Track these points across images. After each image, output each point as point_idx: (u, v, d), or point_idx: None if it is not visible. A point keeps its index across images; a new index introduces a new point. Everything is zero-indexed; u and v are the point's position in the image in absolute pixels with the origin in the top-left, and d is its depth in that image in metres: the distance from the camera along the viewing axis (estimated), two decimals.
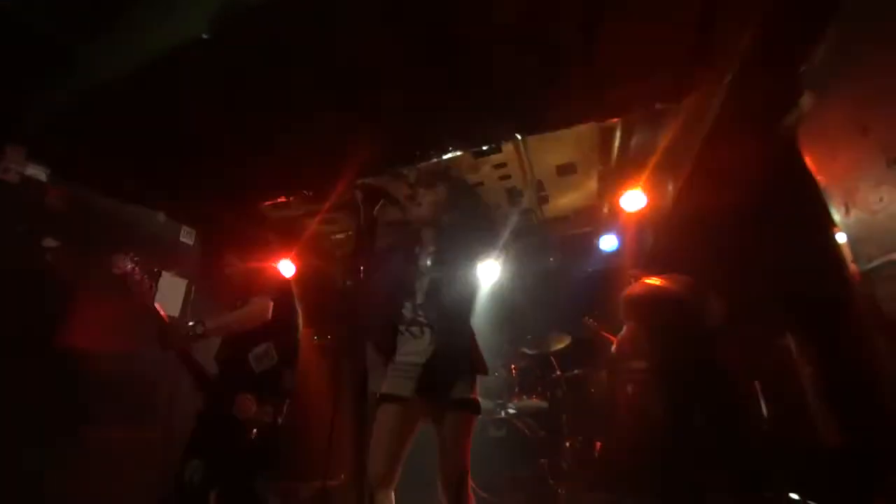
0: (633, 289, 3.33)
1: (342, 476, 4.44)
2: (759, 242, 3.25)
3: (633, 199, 3.70)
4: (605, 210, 4.80)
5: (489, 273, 4.45)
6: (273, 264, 2.87)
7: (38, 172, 2.55)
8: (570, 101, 2.47)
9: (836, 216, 2.42)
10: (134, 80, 2.15)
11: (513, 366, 4.13)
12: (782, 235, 3.03)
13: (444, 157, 2.85)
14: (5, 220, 2.39)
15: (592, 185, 4.49)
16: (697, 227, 3.75)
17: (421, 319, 1.79)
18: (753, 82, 2.70)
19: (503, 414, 3.85)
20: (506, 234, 4.74)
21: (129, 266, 2.14)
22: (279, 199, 3.53)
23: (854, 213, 2.26)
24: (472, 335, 1.88)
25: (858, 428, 2.48)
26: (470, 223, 1.89)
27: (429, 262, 1.88)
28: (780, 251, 3.09)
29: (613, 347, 3.56)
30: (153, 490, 2.72)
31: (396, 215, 1.91)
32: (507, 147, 3.59)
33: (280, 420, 2.41)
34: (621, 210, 4.09)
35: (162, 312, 2.24)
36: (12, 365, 2.30)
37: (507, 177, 4.17)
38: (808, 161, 2.60)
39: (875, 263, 2.06)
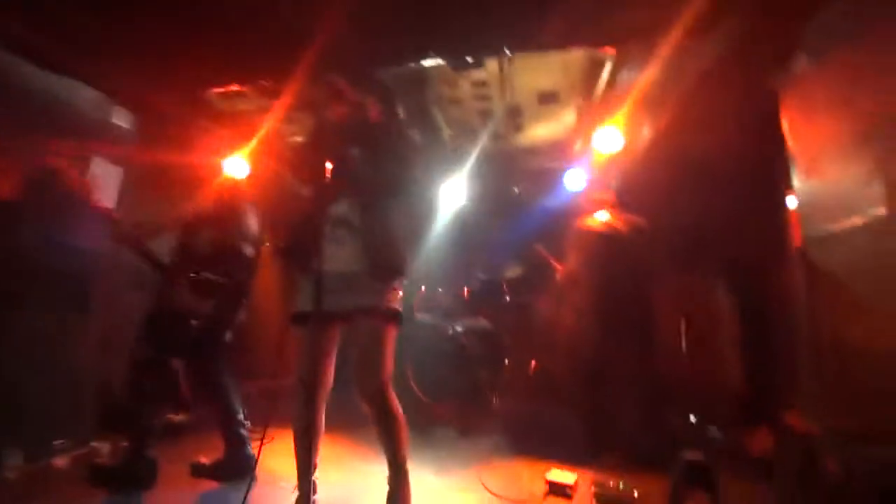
0: (582, 222, 3.44)
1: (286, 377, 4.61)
2: (715, 194, 3.39)
3: (608, 138, 3.65)
4: (577, 146, 4.75)
5: (455, 193, 4.39)
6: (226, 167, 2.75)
7: None
8: (567, 21, 2.26)
9: (796, 181, 2.53)
10: None
11: (466, 287, 4.26)
12: (738, 191, 3.17)
13: (423, 62, 2.59)
14: None
15: (570, 117, 4.37)
16: (663, 172, 3.82)
17: (350, 220, 1.73)
18: (752, 31, 2.60)
19: (450, 331, 4.04)
20: (441, 165, 4.62)
21: (53, 163, 2.13)
22: (230, 88, 3.13)
23: (813, 180, 2.37)
24: (401, 248, 1.81)
25: (760, 373, 2.84)
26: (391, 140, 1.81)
27: (361, 168, 1.75)
28: (732, 205, 3.25)
29: (558, 275, 3.75)
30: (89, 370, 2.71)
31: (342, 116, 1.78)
32: (491, 65, 3.35)
33: (236, 312, 2.55)
34: (594, 148, 4.05)
35: (106, 207, 2.20)
36: None
37: (486, 98, 3.95)
38: (784, 121, 2.64)
39: (821, 232, 2.21)
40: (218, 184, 2.63)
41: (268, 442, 1.76)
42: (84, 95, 2.69)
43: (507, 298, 4.17)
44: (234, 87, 3.06)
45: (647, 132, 3.98)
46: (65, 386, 2.59)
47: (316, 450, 1.77)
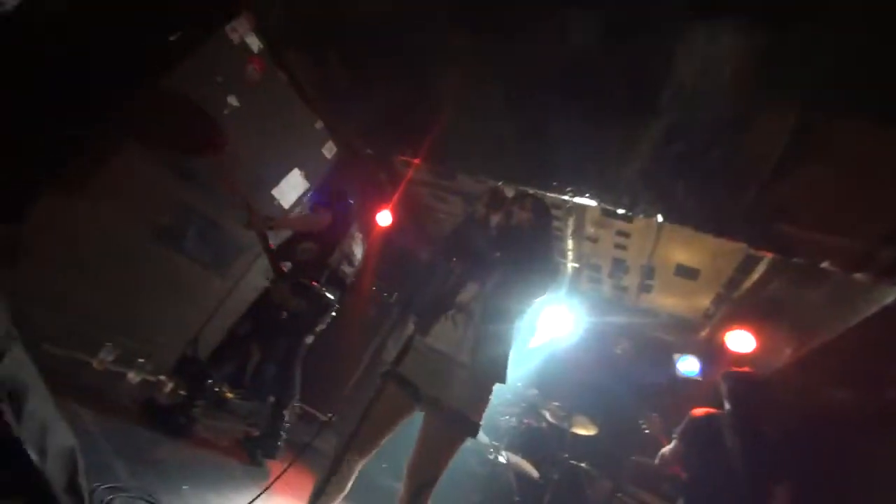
0: (700, 412, 2.99)
1: (329, 416, 4.66)
2: (842, 465, 2.78)
3: (742, 341, 3.34)
4: (703, 333, 4.40)
5: (558, 324, 4.31)
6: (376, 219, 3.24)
7: (254, 42, 2.97)
8: (738, 211, 2.25)
9: None
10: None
11: (526, 420, 3.97)
12: (869, 472, 2.57)
13: (577, 199, 2.78)
14: (212, 67, 2.82)
15: (703, 301, 4.14)
16: (787, 409, 3.29)
17: (471, 311, 1.77)
18: None
19: (492, 455, 3.74)
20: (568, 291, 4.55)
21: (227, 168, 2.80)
22: (415, 160, 3.71)
23: None
24: (505, 355, 1.81)
25: None
26: (534, 258, 1.85)
27: (497, 271, 1.84)
28: (857, 490, 2.62)
29: (657, 458, 3.25)
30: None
31: (497, 221, 1.94)
32: (640, 221, 3.44)
33: (319, 321, 2.86)
34: (722, 343, 3.71)
35: (247, 199, 2.79)
36: None
37: (623, 247, 4.00)
38: None
39: None
40: (339, 206, 3.05)
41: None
42: (314, 126, 3.51)
43: (566, 455, 3.75)
44: (416, 161, 3.62)
45: (787, 352, 3.54)
46: (176, 321, 3.05)
47: None
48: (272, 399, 2.95)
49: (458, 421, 1.70)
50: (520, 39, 2.01)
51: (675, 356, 4.43)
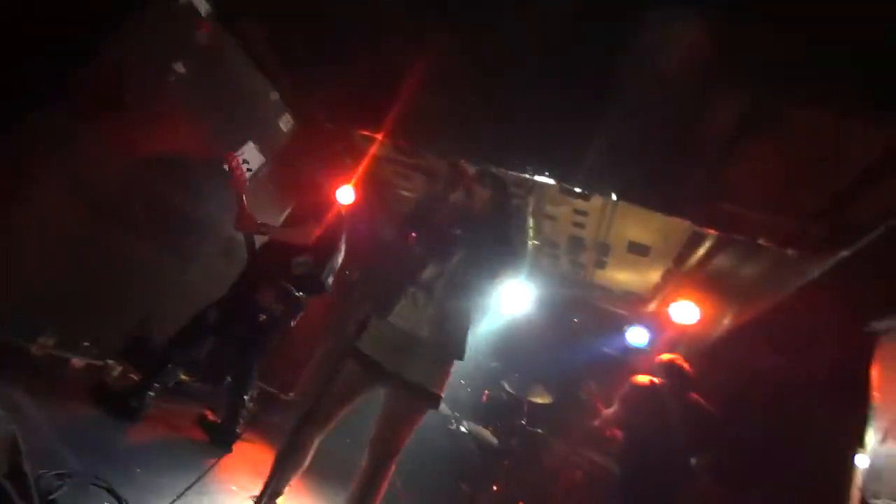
0: (641, 381, 3.21)
1: (291, 394, 4.65)
2: (778, 420, 3.09)
3: (686, 312, 3.57)
4: (651, 306, 4.67)
5: (517, 299, 4.44)
6: (336, 195, 3.18)
7: (201, 4, 2.76)
8: (686, 192, 2.38)
9: (870, 439, 2.26)
10: None
11: (486, 391, 4.12)
12: (803, 425, 2.87)
13: (536, 176, 2.84)
14: (155, 31, 2.61)
15: (654, 276, 4.37)
16: (733, 372, 3.59)
17: (432, 288, 1.79)
18: (865, 273, 2.54)
19: (453, 426, 3.87)
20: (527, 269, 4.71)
21: (236, 161, 2.70)
22: (376, 134, 3.63)
23: (889, 444, 2.10)
24: (465, 331, 1.87)
25: None
26: (494, 236, 1.89)
27: (458, 249, 1.86)
28: (791, 437, 2.93)
29: (597, 420, 3.49)
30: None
31: (457, 198, 1.95)
32: (597, 200, 3.55)
33: (293, 323, 2.89)
34: (666, 315, 3.96)
35: (245, 202, 2.72)
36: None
37: (580, 225, 4.13)
38: (874, 373, 2.43)
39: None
40: (329, 216, 2.99)
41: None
42: (269, 96, 3.34)
43: (524, 422, 3.94)
44: (378, 136, 3.54)
45: (726, 322, 3.83)
46: (122, 303, 2.90)
47: (287, 480, 1.76)
48: (230, 382, 2.90)
49: (420, 394, 1.74)
50: (487, 16, 1.99)
51: (626, 327, 4.70)
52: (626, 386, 3.20)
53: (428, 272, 1.82)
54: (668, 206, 2.52)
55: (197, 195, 3.12)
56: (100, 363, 2.80)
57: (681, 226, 3.34)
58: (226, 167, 2.69)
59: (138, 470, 1.92)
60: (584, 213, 3.91)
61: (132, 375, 2.85)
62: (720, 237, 3.17)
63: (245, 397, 2.78)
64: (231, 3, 2.83)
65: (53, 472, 1.52)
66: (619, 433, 3.28)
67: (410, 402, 1.76)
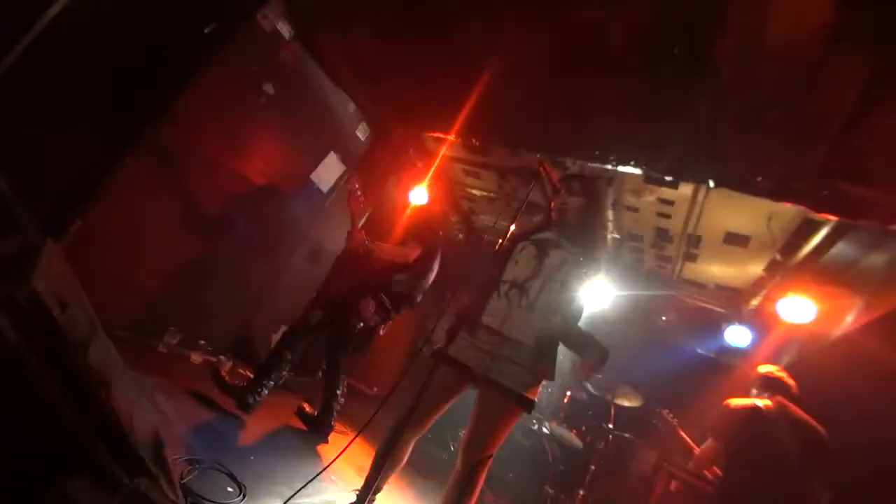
0: (740, 404, 2.81)
1: (375, 389, 4.86)
2: None
3: (798, 309, 3.17)
4: (753, 303, 4.22)
5: (597, 295, 4.25)
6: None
7: (285, 28, 2.98)
8: (800, 174, 2.08)
9: None
10: None
11: (569, 391, 3.99)
12: None
13: (620, 167, 2.66)
14: (244, 55, 2.86)
15: (755, 269, 3.94)
16: (852, 378, 3.13)
17: (527, 289, 1.77)
18: None
19: (535, 426, 3.80)
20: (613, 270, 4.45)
21: (356, 186, 2.91)
22: (448, 134, 3.66)
23: None
24: (556, 342, 1.84)
25: None
26: (583, 247, 1.85)
27: (552, 252, 1.83)
28: None
29: (692, 461, 3.12)
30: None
31: (542, 200, 1.90)
32: (686, 187, 3.28)
33: (382, 332, 3.11)
34: (772, 312, 3.55)
35: (357, 223, 2.94)
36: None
37: (667, 216, 3.84)
38: None
39: None
40: (429, 238, 3.20)
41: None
42: (348, 108, 3.52)
43: (611, 426, 3.76)
44: (449, 136, 3.56)
45: (849, 320, 3.35)
46: (230, 305, 3.22)
47: (387, 477, 1.83)
48: (323, 377, 3.11)
49: (513, 398, 1.72)
50: (560, 6, 1.91)
51: (724, 326, 4.29)
52: (722, 414, 2.80)
53: (522, 272, 1.80)
54: (777, 191, 2.23)
55: (286, 205, 3.37)
56: (214, 359, 3.13)
57: (789, 212, 2.98)
58: (348, 188, 2.95)
59: (252, 458, 2.12)
60: (670, 203, 3.63)
61: (241, 370, 3.16)
62: (840, 223, 2.77)
63: (337, 392, 2.99)
64: (308, 23, 3.00)
65: (184, 458, 1.72)
66: (719, 471, 2.87)
67: (501, 404, 1.74)
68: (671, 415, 3.36)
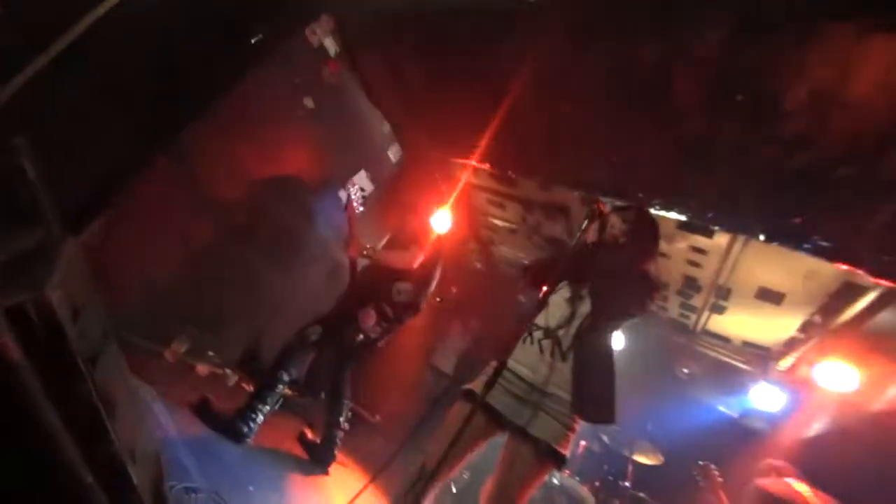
0: (774, 487, 2.57)
1: (377, 417, 4.66)
2: None
3: (839, 376, 2.98)
4: (785, 363, 4.01)
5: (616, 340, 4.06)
6: (432, 221, 3.18)
7: (331, 45, 2.99)
8: (864, 238, 1.94)
9: None
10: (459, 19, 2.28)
11: (584, 441, 3.77)
12: None
13: (663, 211, 2.55)
14: (290, 69, 2.85)
15: (788, 328, 3.75)
16: (888, 458, 2.90)
17: (560, 337, 1.66)
18: None
19: (546, 477, 3.57)
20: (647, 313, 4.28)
21: (352, 196, 2.84)
22: (474, 161, 3.60)
23: None
24: (605, 387, 1.68)
25: None
26: (633, 279, 1.71)
27: (588, 294, 1.71)
28: None
29: None
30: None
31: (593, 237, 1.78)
32: (721, 237, 3.16)
33: (380, 343, 2.93)
34: (806, 375, 3.36)
35: (355, 229, 2.82)
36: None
37: (697, 265, 3.70)
38: None
39: None
40: (430, 244, 3.01)
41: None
42: (382, 128, 3.51)
43: (628, 483, 3.51)
44: (482, 166, 3.51)
45: (893, 394, 3.13)
46: (242, 316, 3.12)
47: None
48: (325, 400, 2.96)
49: (543, 451, 1.59)
50: (616, 38, 1.86)
51: (750, 386, 4.08)
52: (752, 498, 2.57)
53: (554, 318, 1.69)
54: (835, 252, 2.10)
55: (312, 219, 3.30)
56: (220, 372, 3.00)
57: (829, 272, 2.83)
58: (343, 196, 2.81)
59: (251, 488, 1.97)
60: (703, 252, 3.50)
61: (245, 385, 3.02)
62: (891, 290, 2.61)
63: (340, 419, 2.84)
64: (356, 43, 3.01)
65: (182, 485, 1.58)
66: None
67: (533, 458, 1.60)
68: (718, 472, 3.10)
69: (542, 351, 1.66)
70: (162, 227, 2.66)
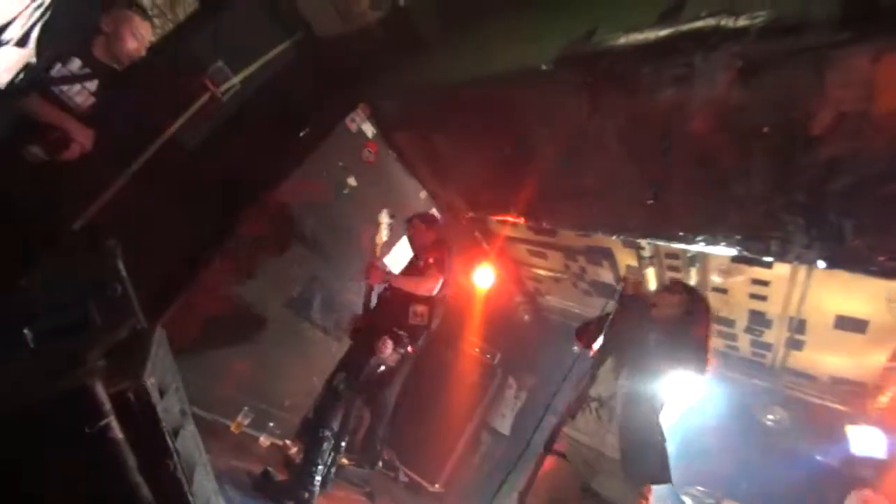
0: None
1: (437, 485, 4.48)
2: None
3: None
4: (883, 399, 3.56)
5: (687, 388, 3.79)
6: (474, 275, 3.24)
7: (368, 129, 3.32)
8: None
9: None
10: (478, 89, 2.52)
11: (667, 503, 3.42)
12: None
13: (708, 247, 2.49)
14: (334, 153, 3.18)
15: (879, 359, 3.38)
16: None
17: (612, 406, 1.73)
18: None
19: None
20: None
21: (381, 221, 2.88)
22: (509, 218, 3.69)
23: None
24: (658, 448, 1.70)
25: None
26: (682, 347, 1.76)
27: (625, 371, 1.78)
28: None
29: None
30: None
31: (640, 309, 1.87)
32: (780, 266, 2.98)
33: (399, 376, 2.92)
34: None
35: (378, 258, 2.87)
36: None
37: (761, 297, 3.48)
38: None
39: None
40: (447, 270, 2.93)
41: None
42: (419, 195, 3.75)
43: None
44: (517, 220, 3.60)
45: None
46: (300, 385, 3.25)
47: None
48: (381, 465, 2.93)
49: None
50: (627, 91, 1.95)
51: (848, 429, 3.62)
52: None
53: (603, 388, 1.77)
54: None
55: (357, 288, 3.45)
56: (280, 443, 3.08)
57: None
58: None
59: None
60: (765, 284, 3.31)
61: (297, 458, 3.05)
62: None
63: (379, 464, 2.79)
64: (388, 124, 3.33)
65: None
66: None
67: None
68: None
69: (600, 421, 1.72)
70: (222, 305, 2.88)
